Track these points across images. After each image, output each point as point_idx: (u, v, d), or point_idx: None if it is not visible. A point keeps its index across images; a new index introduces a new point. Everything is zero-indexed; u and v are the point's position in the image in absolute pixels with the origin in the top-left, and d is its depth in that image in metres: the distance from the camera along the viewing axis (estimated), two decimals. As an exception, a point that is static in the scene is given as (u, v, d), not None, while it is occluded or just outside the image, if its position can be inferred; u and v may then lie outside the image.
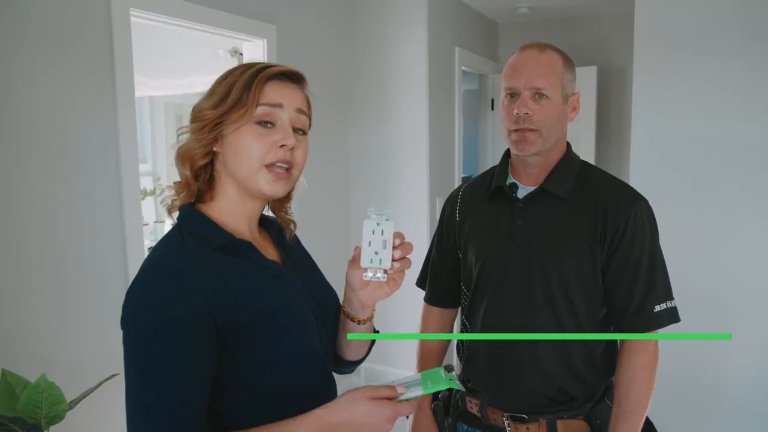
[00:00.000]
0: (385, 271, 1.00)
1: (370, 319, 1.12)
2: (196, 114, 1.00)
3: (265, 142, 0.97)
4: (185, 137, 1.01)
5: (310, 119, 1.06)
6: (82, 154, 2.05)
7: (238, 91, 0.96)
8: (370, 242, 0.99)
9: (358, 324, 1.11)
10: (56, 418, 1.65)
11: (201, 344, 0.90)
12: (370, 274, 1.00)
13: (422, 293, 1.67)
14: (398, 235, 1.00)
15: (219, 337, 0.91)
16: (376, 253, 0.99)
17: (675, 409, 2.69)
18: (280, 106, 0.98)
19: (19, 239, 1.89)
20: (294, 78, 1.03)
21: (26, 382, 1.66)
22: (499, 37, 4.67)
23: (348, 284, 1.07)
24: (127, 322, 0.91)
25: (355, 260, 1.02)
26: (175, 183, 1.03)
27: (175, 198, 1.03)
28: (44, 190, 1.95)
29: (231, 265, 0.97)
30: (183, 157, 1.00)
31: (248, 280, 0.98)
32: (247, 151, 0.97)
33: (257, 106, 0.96)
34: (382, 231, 0.99)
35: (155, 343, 0.88)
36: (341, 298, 1.13)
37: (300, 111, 1.02)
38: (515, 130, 1.36)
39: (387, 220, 0.99)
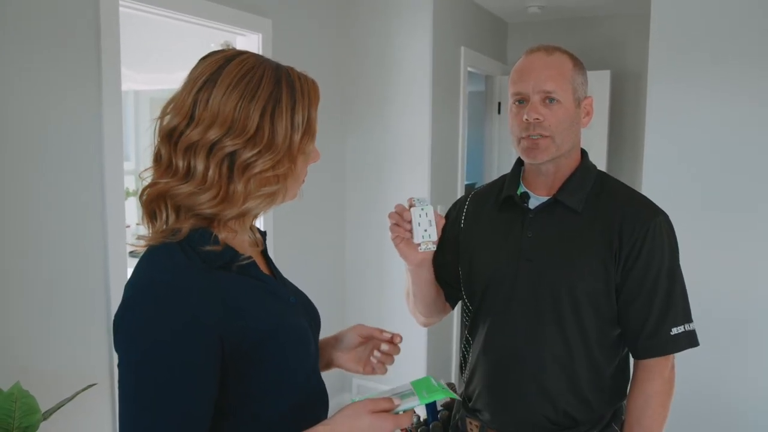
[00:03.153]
0: (434, 243, 1.36)
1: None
2: (271, 134, 0.99)
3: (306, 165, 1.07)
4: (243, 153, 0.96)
5: None
6: (64, 152, 2.07)
7: (308, 117, 1.06)
8: (419, 223, 1.33)
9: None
10: (30, 429, 1.66)
11: (212, 367, 0.90)
12: (423, 246, 1.35)
13: None
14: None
15: (226, 359, 0.92)
16: (425, 230, 1.34)
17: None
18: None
19: (-5, 239, 1.91)
20: None
21: (-1, 390, 1.68)
22: (507, 37, 4.71)
23: (345, 347, 1.24)
24: (130, 342, 0.89)
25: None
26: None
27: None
28: (22, 190, 1.96)
29: (235, 281, 0.97)
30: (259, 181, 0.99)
31: (253, 297, 0.99)
32: (298, 176, 1.05)
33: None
34: (426, 213, 1.34)
35: (164, 367, 0.87)
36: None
37: None
38: (526, 137, 1.37)
39: (428, 204, 1.34)
